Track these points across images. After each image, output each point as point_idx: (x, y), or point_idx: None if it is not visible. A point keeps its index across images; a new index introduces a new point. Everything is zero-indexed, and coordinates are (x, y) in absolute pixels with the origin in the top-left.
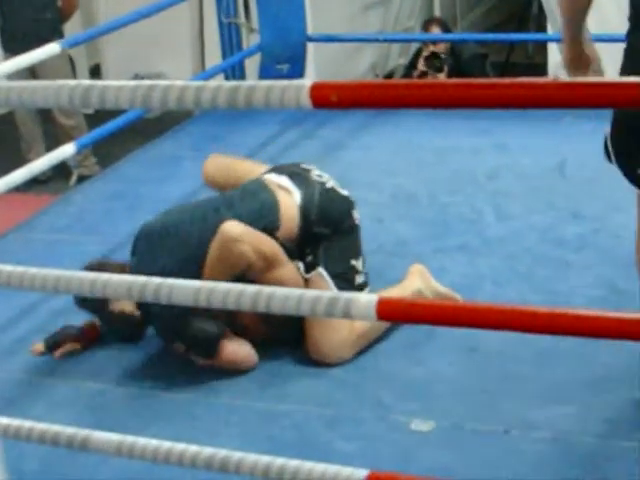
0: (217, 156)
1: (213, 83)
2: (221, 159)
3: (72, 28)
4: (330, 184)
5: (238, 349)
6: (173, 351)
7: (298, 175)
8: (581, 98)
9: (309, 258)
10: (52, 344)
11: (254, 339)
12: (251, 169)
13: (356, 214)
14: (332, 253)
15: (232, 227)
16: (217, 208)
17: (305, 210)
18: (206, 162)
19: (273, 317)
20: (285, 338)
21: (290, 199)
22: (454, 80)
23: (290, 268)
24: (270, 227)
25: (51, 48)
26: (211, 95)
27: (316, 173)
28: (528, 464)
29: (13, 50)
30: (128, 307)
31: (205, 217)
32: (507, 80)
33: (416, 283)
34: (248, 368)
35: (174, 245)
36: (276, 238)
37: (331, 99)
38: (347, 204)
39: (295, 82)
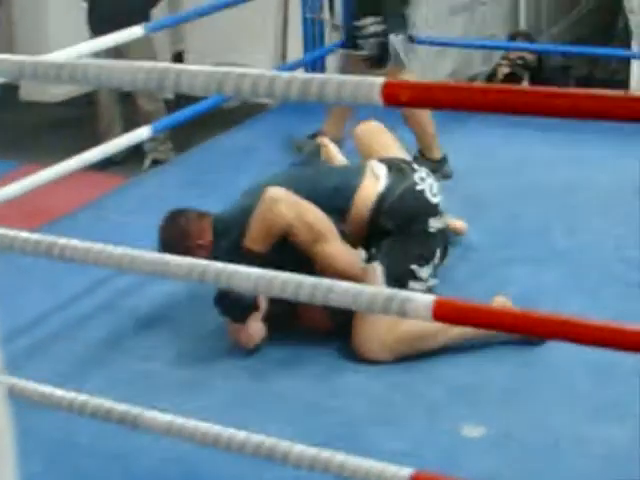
0: (373, 122)
1: (287, 74)
2: (375, 127)
3: (158, 13)
4: (421, 187)
5: (258, 329)
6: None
7: (400, 169)
8: None
9: (372, 251)
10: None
11: (316, 331)
12: (387, 148)
13: (436, 223)
14: (393, 252)
15: (275, 189)
16: (300, 178)
17: (382, 198)
18: (363, 124)
19: (340, 314)
20: (346, 334)
21: (374, 186)
22: (525, 87)
23: (341, 246)
24: (342, 207)
25: (135, 31)
26: (284, 86)
27: (420, 175)
28: (575, 479)
29: (100, 31)
30: None
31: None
32: (575, 90)
33: None
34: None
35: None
36: (345, 220)
37: (402, 98)
38: (427, 209)
39: (367, 79)
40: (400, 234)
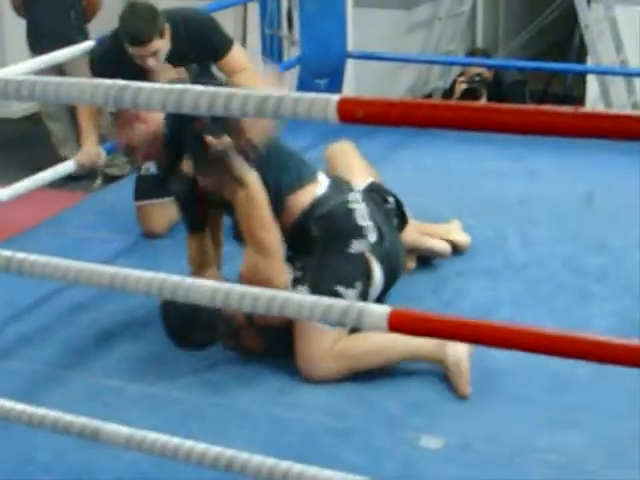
0: (345, 143)
1: (244, 91)
2: (344, 148)
3: (97, 28)
4: (353, 206)
5: None
6: None
7: (339, 186)
8: (603, 129)
9: (298, 274)
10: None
11: (252, 352)
12: (348, 170)
13: (358, 245)
14: (320, 268)
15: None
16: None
17: (315, 204)
18: (335, 143)
19: (270, 332)
20: (281, 353)
21: (314, 190)
22: (480, 103)
23: (281, 267)
24: (291, 185)
25: (78, 48)
26: (240, 103)
27: (355, 197)
28: None
29: (39, 50)
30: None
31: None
32: (527, 106)
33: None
34: None
35: None
36: (287, 204)
37: (357, 114)
38: (352, 229)
39: (323, 95)
40: (323, 247)
